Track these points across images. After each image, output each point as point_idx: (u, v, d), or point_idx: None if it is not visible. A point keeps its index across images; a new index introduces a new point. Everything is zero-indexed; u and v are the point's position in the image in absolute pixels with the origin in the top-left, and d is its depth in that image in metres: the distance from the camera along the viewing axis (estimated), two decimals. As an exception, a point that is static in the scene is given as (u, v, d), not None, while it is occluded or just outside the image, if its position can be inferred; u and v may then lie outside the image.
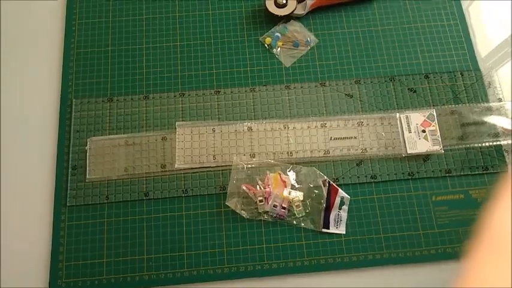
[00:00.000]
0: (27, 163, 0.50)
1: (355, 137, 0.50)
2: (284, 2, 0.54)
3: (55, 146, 0.50)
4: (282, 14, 0.54)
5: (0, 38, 0.55)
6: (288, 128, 0.50)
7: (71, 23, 0.55)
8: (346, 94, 0.52)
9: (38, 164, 0.50)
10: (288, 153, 0.49)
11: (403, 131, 0.50)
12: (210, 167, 0.49)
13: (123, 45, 0.54)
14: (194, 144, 0.50)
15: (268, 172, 0.48)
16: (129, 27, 0.55)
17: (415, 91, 0.52)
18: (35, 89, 0.53)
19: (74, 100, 0.52)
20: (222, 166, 0.49)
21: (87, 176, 0.48)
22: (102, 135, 0.50)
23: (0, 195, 0.49)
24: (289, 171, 0.48)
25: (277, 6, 0.54)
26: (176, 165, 0.49)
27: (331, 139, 0.50)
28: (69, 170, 0.49)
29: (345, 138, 0.50)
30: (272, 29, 0.55)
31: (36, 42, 0.55)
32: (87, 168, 0.49)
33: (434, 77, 0.52)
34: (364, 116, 0.51)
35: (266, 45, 0.54)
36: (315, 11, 0.56)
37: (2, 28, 0.56)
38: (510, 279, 0.21)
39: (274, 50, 0.54)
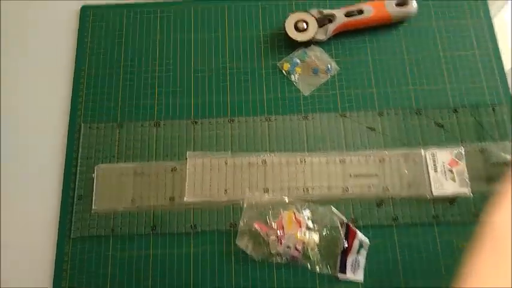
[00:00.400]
0: (33, 190, 0.48)
1: (376, 175, 0.47)
2: (305, 26, 0.51)
3: (61, 172, 0.48)
4: (302, 40, 0.51)
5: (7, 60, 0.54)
6: (305, 162, 0.47)
7: (82, 45, 0.53)
8: (367, 127, 0.49)
9: (44, 192, 0.48)
10: (303, 189, 0.46)
11: (428, 170, 0.46)
12: (220, 201, 0.46)
13: (135, 69, 0.52)
14: (205, 177, 0.47)
15: (282, 210, 0.45)
16: (141, 50, 0.53)
17: (442, 126, 0.48)
18: (44, 112, 0.51)
19: (82, 124, 0.50)
20: (233, 201, 0.46)
21: (93, 207, 0.46)
22: (110, 163, 0.48)
23: (2, 224, 0.47)
24: (304, 209, 0.45)
25: (298, 31, 0.51)
26: (185, 199, 0.46)
27: (350, 176, 0.47)
28: (75, 199, 0.47)
29: (365, 175, 0.47)
30: (291, 55, 0.52)
31: (46, 64, 0.53)
32: (94, 198, 0.47)
33: (463, 111, 0.49)
34: (386, 152, 0.47)
35: (284, 72, 0.51)
36: (337, 36, 0.52)
37: (13, 49, 0.54)
38: (510, 279, 0.21)
39: (293, 76, 0.51)
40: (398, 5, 0.52)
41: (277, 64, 0.52)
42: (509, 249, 0.24)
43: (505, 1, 0.55)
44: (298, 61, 0.51)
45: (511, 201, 0.27)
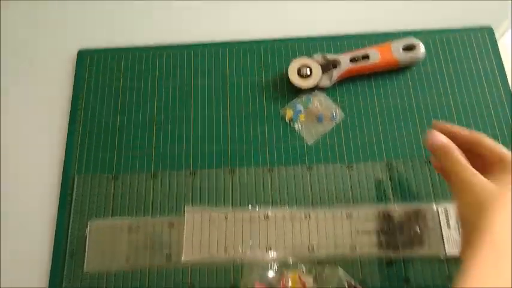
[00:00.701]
0: (24, 245, 0.46)
1: (385, 232, 0.44)
2: (308, 73, 0.49)
3: (53, 227, 0.46)
4: (306, 87, 0.49)
5: (0, 104, 0.52)
6: (310, 217, 0.45)
7: (78, 93, 0.51)
8: (375, 179, 0.46)
9: (35, 247, 0.45)
10: (308, 248, 0.44)
11: (441, 227, 0.43)
12: (220, 260, 0.44)
13: (132, 116, 0.50)
14: (204, 233, 0.45)
15: (286, 271, 0.42)
16: (139, 97, 0.51)
17: (454, 178, 0.46)
18: (36, 162, 0.49)
19: (76, 176, 0.47)
20: (234, 259, 0.44)
21: (85, 269, 0.44)
22: (104, 217, 0.46)
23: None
24: (309, 271, 0.42)
25: (301, 77, 0.49)
26: (183, 258, 0.44)
27: (358, 232, 0.44)
28: (66, 256, 0.44)
29: (374, 232, 0.44)
30: (293, 101, 0.50)
31: (40, 111, 0.52)
32: (86, 257, 0.44)
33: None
34: (396, 206, 0.45)
35: (287, 119, 0.49)
36: (342, 81, 0.51)
37: (5, 94, 0.53)
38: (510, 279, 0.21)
39: (296, 125, 0.49)
40: (405, 49, 0.50)
41: (280, 111, 0.50)
42: (509, 252, 0.24)
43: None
44: (302, 108, 0.49)
45: (511, 205, 0.27)
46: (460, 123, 0.48)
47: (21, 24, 0.57)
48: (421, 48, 0.50)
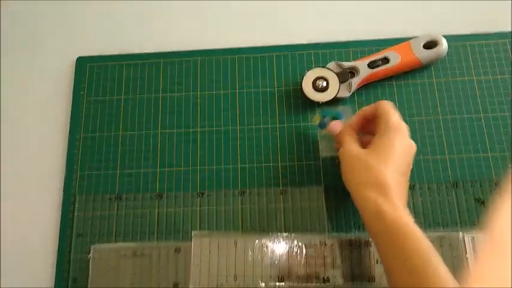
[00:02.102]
0: (26, 272, 0.44)
1: (407, 262, 0.41)
2: (324, 84, 0.45)
3: (55, 252, 0.44)
4: (323, 100, 0.45)
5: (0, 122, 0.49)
6: (325, 244, 0.42)
7: (77, 105, 0.48)
8: (397, 203, 0.43)
9: (37, 274, 0.44)
10: (324, 278, 0.41)
11: (467, 257, 0.40)
12: (230, 290, 0.41)
13: (135, 131, 0.47)
14: (212, 261, 0.42)
15: (299, 304, 0.40)
16: (143, 108, 0.48)
17: (483, 202, 0.42)
18: (36, 182, 0.46)
19: (77, 196, 0.45)
20: (244, 290, 0.41)
21: (88, 298, 0.42)
22: (107, 242, 0.43)
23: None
24: (325, 304, 0.40)
25: (316, 90, 0.45)
26: (191, 286, 0.41)
27: (377, 262, 0.41)
28: (69, 283, 0.42)
29: (395, 262, 0.41)
30: (327, 109, 0.46)
31: (39, 121, 0.49)
32: (89, 284, 0.42)
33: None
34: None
35: (317, 124, 0.44)
36: (361, 88, 0.47)
37: (4, 104, 0.50)
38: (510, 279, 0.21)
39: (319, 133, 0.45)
40: (426, 46, 0.46)
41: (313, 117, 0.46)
42: (509, 252, 0.23)
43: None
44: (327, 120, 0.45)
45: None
46: (490, 142, 0.44)
47: (20, 32, 0.53)
48: (444, 44, 0.46)
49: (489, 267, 0.23)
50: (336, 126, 0.42)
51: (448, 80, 0.47)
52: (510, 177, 0.30)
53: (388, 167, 0.35)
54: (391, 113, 0.37)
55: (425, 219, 0.42)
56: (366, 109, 0.40)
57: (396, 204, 0.34)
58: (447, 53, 0.47)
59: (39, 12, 0.53)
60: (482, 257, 0.24)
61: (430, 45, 0.46)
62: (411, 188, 0.43)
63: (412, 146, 0.37)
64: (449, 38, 0.47)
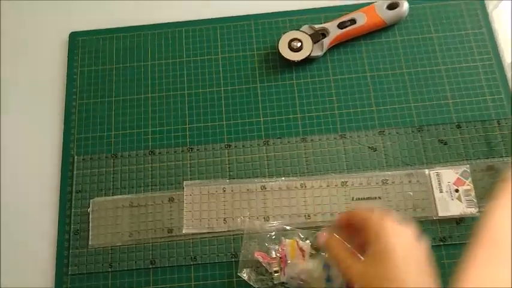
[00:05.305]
0: (29, 226, 0.47)
1: (379, 197, 0.45)
2: (299, 45, 0.50)
3: (57, 207, 0.47)
4: (299, 59, 0.50)
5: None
6: (305, 186, 0.46)
7: (72, 74, 0.52)
8: (369, 147, 0.47)
9: (40, 228, 0.47)
10: (305, 216, 0.45)
11: (433, 191, 0.45)
12: (220, 231, 0.45)
13: (127, 96, 0.51)
14: (203, 206, 0.46)
15: (283, 239, 0.44)
16: (133, 76, 0.52)
17: (445, 143, 0.47)
18: (35, 145, 0.50)
19: (76, 157, 0.48)
20: (233, 231, 0.45)
21: (90, 243, 0.45)
22: (105, 196, 0.47)
23: (0, 265, 0.46)
24: (307, 237, 0.44)
25: (292, 50, 0.50)
26: (184, 231, 0.45)
27: (352, 199, 0.45)
28: (71, 235, 0.46)
29: (369, 198, 0.45)
30: None
31: (36, 94, 0.52)
32: (90, 233, 0.46)
33: (467, 127, 0.47)
34: (389, 172, 0.46)
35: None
36: (333, 49, 0.51)
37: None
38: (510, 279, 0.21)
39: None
40: (389, 7, 0.51)
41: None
42: (508, 249, 0.24)
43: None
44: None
45: (511, 202, 0.28)
46: (451, 90, 0.49)
47: (12, 8, 0.56)
48: (405, 5, 0.50)
49: (483, 268, 0.25)
50: (321, 238, 0.39)
51: (410, 37, 0.51)
52: (510, 178, 0.30)
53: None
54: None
55: (394, 160, 0.46)
56: (348, 216, 0.36)
57: None
58: (408, 13, 0.51)
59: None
60: (476, 258, 0.26)
61: (393, 7, 0.51)
62: (382, 133, 0.47)
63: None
64: (410, 1, 0.51)
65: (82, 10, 0.56)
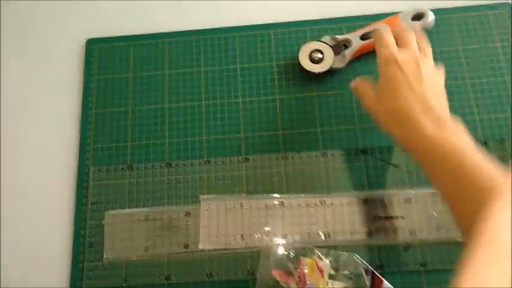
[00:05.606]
0: (43, 238, 0.47)
1: (402, 217, 0.44)
2: (320, 56, 0.48)
3: (71, 219, 0.46)
4: (320, 71, 0.48)
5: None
6: (325, 203, 0.45)
7: (89, 82, 0.51)
8: (391, 164, 0.46)
9: (54, 240, 0.46)
10: (325, 234, 0.44)
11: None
12: (237, 248, 0.44)
13: (144, 105, 0.50)
14: (220, 222, 0.45)
15: (302, 258, 0.42)
16: (150, 84, 0.51)
17: None
18: (51, 155, 0.49)
19: (91, 167, 0.48)
20: (250, 247, 0.44)
21: (105, 256, 0.45)
22: (120, 208, 0.46)
23: (13, 275, 0.46)
24: (326, 256, 0.43)
25: (313, 62, 0.48)
26: (200, 246, 0.44)
27: (374, 218, 0.44)
28: (86, 247, 0.45)
29: (391, 217, 0.44)
30: None
31: (52, 99, 0.52)
32: (105, 246, 0.45)
33: (494, 145, 0.46)
34: (412, 191, 0.44)
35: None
36: (355, 60, 0.50)
37: (15, 86, 0.53)
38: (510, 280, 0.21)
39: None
40: (414, 18, 0.49)
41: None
42: (508, 249, 0.24)
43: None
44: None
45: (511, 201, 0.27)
46: (477, 106, 0.47)
47: (30, 14, 0.56)
48: (430, 16, 0.49)
49: (482, 268, 0.25)
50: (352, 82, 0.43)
51: (435, 50, 0.50)
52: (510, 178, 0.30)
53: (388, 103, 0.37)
54: (380, 45, 0.39)
55: (417, 178, 0.45)
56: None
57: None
58: (434, 24, 0.50)
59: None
60: (475, 258, 0.25)
61: (418, 17, 0.49)
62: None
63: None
64: (436, 11, 0.50)
65: (99, 17, 0.55)
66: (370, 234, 0.44)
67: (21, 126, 0.51)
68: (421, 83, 0.36)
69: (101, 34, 0.53)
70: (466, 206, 0.30)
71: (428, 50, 0.40)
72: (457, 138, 0.33)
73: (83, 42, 0.53)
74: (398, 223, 0.44)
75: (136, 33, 0.53)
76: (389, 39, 0.39)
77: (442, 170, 0.33)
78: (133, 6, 0.55)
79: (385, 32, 0.39)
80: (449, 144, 0.33)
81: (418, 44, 0.40)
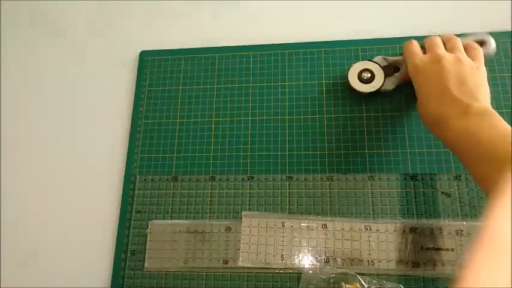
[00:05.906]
0: (87, 245, 0.48)
1: (452, 249, 0.41)
2: (369, 76, 0.47)
3: (115, 226, 0.48)
4: (368, 91, 0.47)
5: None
6: (370, 229, 0.43)
7: (140, 93, 0.53)
8: (442, 192, 0.44)
9: (98, 245, 0.48)
10: (368, 261, 0.42)
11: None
12: (276, 268, 0.43)
13: (192, 118, 0.51)
14: (261, 240, 0.44)
15: (344, 284, 0.41)
16: (199, 97, 0.51)
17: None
18: (100, 160, 0.51)
19: (138, 176, 0.49)
20: (290, 269, 0.43)
21: (146, 265, 0.45)
22: (163, 219, 0.47)
23: (56, 280, 0.47)
24: (369, 285, 0.41)
25: (362, 82, 0.47)
26: (240, 263, 0.44)
27: (422, 249, 0.42)
28: (128, 255, 0.46)
29: (440, 249, 0.42)
30: None
31: (103, 110, 0.53)
32: (146, 256, 0.45)
33: None
34: (464, 223, 0.42)
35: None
36: (405, 84, 0.48)
37: (70, 93, 0.55)
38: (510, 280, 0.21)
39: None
40: None
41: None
42: (508, 249, 0.23)
43: None
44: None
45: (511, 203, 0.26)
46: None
47: (86, 26, 0.59)
48: (492, 44, 0.46)
49: (482, 268, 0.23)
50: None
51: (493, 75, 0.47)
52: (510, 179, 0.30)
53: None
54: (408, 55, 0.43)
55: (471, 209, 0.43)
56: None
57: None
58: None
59: (104, 6, 0.59)
60: (475, 258, 0.24)
61: (478, 43, 0.47)
62: (458, 178, 0.44)
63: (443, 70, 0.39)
64: (495, 35, 0.47)
65: (153, 30, 0.57)
66: (416, 265, 0.41)
67: (74, 135, 0.53)
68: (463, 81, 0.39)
69: (154, 46, 0.55)
70: (486, 169, 0.33)
71: (478, 53, 0.42)
72: (489, 116, 0.35)
73: (137, 53, 0.55)
74: (447, 256, 0.41)
75: (188, 47, 0.54)
76: (416, 49, 0.43)
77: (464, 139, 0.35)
78: (189, 20, 0.56)
79: (411, 43, 0.44)
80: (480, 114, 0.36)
81: (467, 50, 0.42)
